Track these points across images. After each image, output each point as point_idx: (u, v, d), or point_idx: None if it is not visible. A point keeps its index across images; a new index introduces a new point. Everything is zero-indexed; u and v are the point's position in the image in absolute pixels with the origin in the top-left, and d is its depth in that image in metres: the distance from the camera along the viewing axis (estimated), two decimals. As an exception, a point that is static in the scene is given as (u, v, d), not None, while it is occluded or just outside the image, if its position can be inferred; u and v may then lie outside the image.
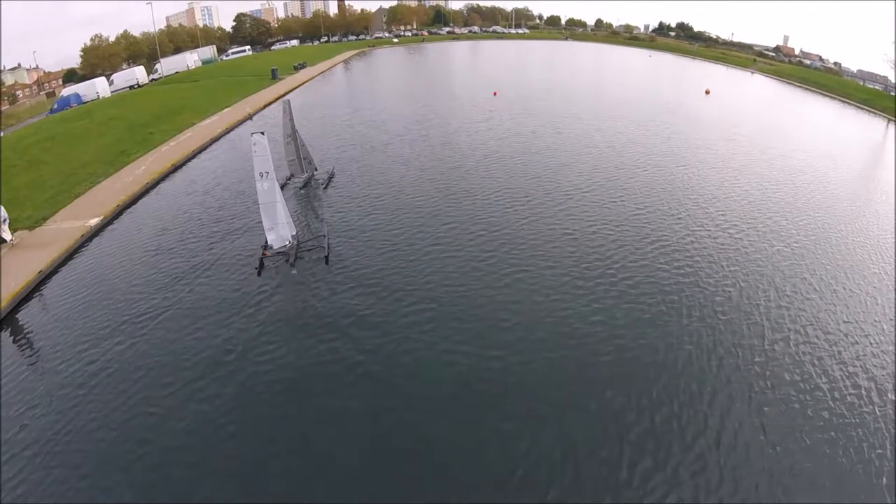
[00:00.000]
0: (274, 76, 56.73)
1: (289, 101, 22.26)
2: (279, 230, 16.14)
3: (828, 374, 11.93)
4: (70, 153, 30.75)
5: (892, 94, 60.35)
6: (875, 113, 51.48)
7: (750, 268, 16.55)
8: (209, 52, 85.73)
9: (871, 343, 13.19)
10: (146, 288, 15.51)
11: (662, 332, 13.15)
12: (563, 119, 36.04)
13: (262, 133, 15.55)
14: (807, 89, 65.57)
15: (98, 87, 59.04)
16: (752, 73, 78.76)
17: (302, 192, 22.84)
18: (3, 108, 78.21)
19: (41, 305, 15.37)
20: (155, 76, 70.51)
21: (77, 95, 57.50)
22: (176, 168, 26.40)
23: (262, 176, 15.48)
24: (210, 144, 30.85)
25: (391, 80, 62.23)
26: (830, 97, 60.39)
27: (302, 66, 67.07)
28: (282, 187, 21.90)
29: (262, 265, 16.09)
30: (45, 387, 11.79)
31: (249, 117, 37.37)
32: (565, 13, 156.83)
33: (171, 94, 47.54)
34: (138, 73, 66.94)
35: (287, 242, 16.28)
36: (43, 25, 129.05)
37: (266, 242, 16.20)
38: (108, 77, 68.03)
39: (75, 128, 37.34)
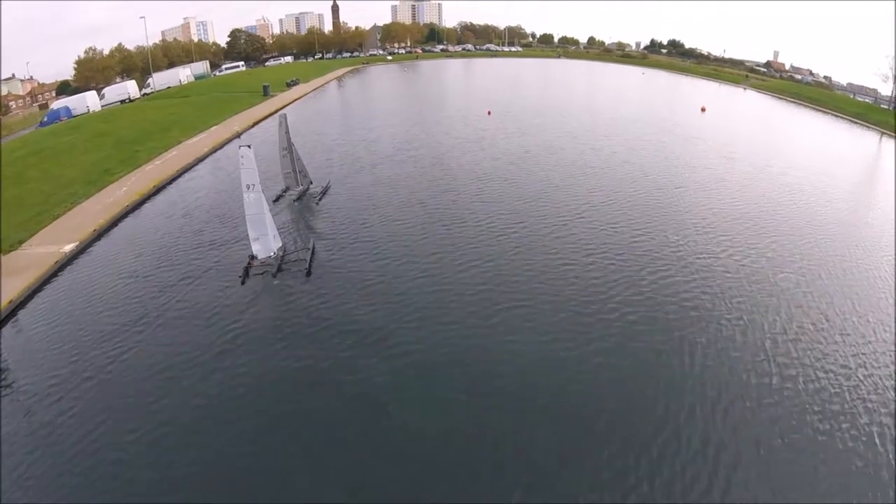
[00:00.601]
0: (266, 93, 56.47)
1: (285, 114, 22.48)
2: (265, 241, 16.49)
3: (839, 423, 11.17)
4: (54, 170, 30.09)
5: (884, 107, 61.38)
6: (868, 126, 52.00)
7: (755, 297, 15.99)
8: (202, 67, 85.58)
9: (881, 383, 12.58)
10: (117, 318, 14.81)
11: (667, 373, 12.41)
12: (557, 138, 35.81)
13: (249, 146, 15.91)
14: (799, 104, 66.12)
15: (88, 101, 58.43)
16: (745, 88, 79.44)
17: (296, 204, 23.10)
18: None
19: (11, 337, 14.64)
20: (147, 90, 70.07)
21: (67, 109, 56.86)
22: (158, 189, 25.71)
23: (248, 188, 15.88)
24: (196, 164, 30.26)
25: (384, 98, 62.26)
26: (823, 112, 60.91)
27: (294, 83, 66.94)
28: (277, 199, 23.14)
29: (246, 274, 16.46)
30: (5, 423, 11.11)
31: (238, 135, 36.87)
32: (558, 31, 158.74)
33: (161, 109, 47.05)
34: (130, 88, 66.39)
35: (272, 253, 16.69)
36: (40, 36, 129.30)
37: (252, 253, 16.60)
38: (99, 91, 67.59)
39: (62, 143, 36.67)
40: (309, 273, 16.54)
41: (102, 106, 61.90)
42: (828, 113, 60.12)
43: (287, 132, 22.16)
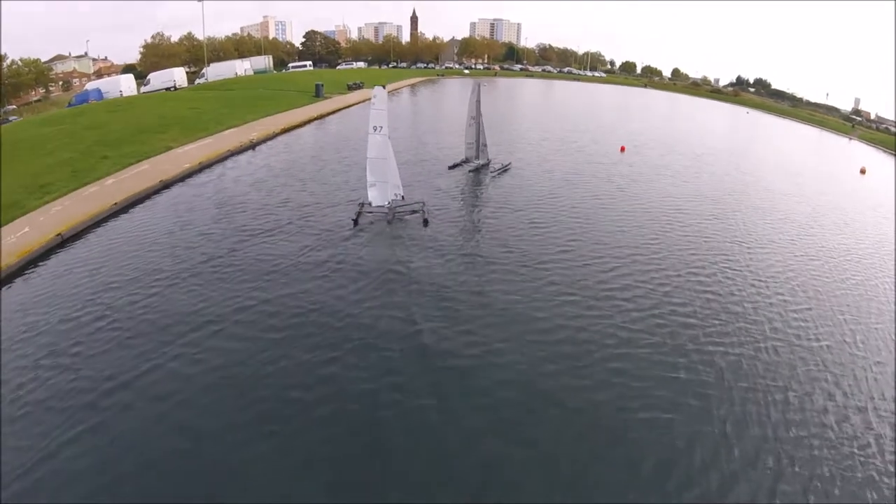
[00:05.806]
0: (318, 94, 47.78)
1: (479, 82, 22.18)
2: (381, 188, 16.17)
3: None
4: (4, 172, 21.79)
5: None
6: None
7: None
8: (263, 62, 79.04)
9: None
10: None
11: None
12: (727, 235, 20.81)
13: (384, 86, 15.73)
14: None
15: (122, 85, 52.88)
16: (850, 139, 68.03)
17: (470, 174, 22.64)
18: (52, 94, 74.51)
19: None
20: (201, 80, 64.34)
21: (98, 91, 51.69)
22: (64, 240, 15.22)
23: (375, 129, 15.58)
24: (158, 190, 19.91)
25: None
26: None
27: (357, 87, 58.43)
28: (453, 166, 23.09)
29: (358, 217, 16.13)
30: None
31: (251, 146, 27.33)
32: (640, 60, 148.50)
33: (185, 101, 39.15)
34: (176, 75, 60.41)
35: (387, 203, 16.31)
36: (131, 23, 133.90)
37: (366, 199, 16.50)
38: (145, 76, 62.15)
39: (46, 134, 28.94)
40: (426, 223, 16.03)
41: (144, 91, 56.36)
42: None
43: (478, 101, 21.78)
